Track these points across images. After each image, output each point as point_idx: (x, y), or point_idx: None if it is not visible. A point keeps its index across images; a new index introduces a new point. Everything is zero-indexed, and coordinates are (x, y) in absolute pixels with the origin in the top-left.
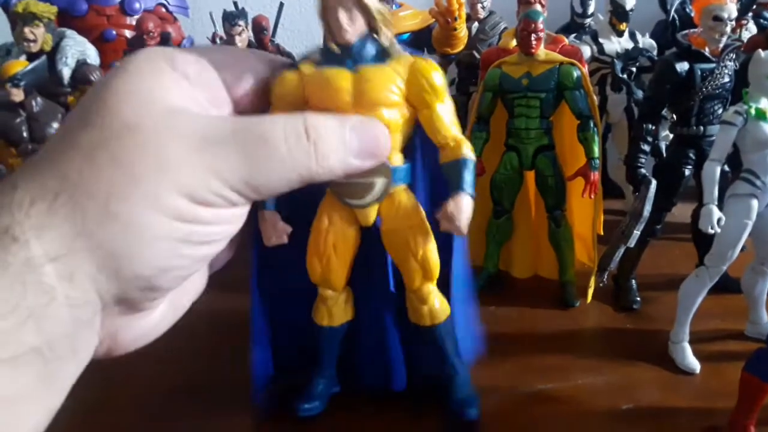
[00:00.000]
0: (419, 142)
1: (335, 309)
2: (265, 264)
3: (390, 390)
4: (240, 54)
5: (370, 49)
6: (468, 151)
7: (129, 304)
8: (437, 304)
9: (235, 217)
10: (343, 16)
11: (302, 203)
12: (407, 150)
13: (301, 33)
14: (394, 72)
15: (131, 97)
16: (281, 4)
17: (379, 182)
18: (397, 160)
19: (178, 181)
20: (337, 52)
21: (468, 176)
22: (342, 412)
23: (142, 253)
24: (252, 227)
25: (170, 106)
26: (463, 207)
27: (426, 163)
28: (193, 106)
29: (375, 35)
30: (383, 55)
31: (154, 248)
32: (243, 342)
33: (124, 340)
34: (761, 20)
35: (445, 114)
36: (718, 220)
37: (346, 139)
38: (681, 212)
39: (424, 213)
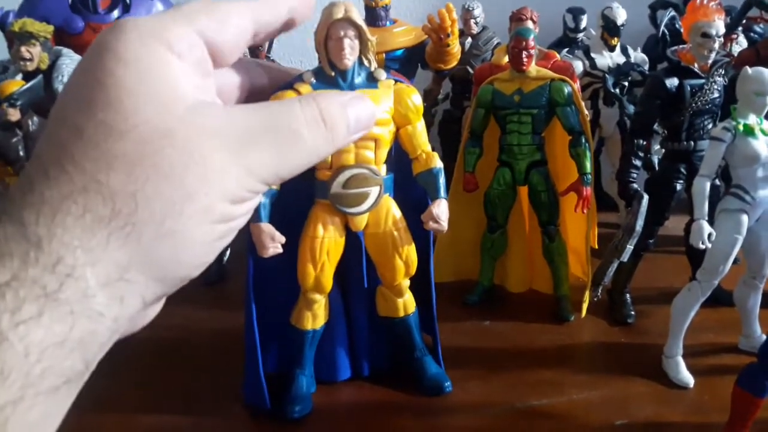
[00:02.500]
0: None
1: (319, 312)
2: (259, 274)
3: (359, 377)
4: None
5: (361, 73)
6: (438, 161)
7: (160, 298)
8: (408, 297)
9: (255, 202)
10: (347, 46)
11: (287, 214)
12: (388, 162)
13: (296, 48)
14: (384, 94)
15: (148, 96)
16: None
17: (374, 192)
18: (383, 172)
19: (224, 187)
20: (332, 75)
21: (443, 183)
22: (322, 403)
23: (189, 259)
24: (246, 240)
25: (188, 101)
26: (444, 210)
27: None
28: (200, 93)
29: (364, 60)
30: (371, 79)
31: (198, 251)
32: (239, 350)
33: (138, 325)
34: (751, 34)
35: (422, 131)
36: (709, 236)
37: (349, 119)
38: (674, 225)
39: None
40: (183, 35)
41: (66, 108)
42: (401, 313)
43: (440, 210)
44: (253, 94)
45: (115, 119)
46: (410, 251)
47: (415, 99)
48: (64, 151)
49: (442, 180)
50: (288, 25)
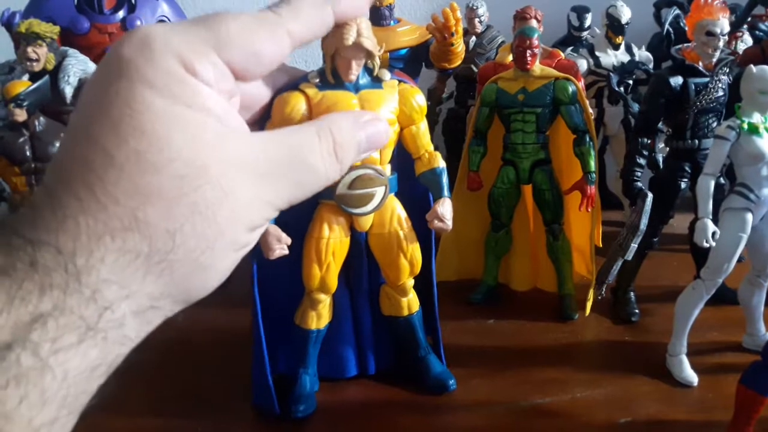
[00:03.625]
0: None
1: (324, 312)
2: (263, 276)
3: (364, 375)
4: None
5: (366, 75)
6: (441, 160)
7: None
8: (412, 296)
9: (266, 226)
10: (354, 64)
11: (289, 215)
12: (392, 162)
13: (304, 51)
14: (389, 94)
15: (179, 125)
16: None
17: (379, 192)
18: (388, 171)
19: (249, 220)
20: (333, 83)
21: (446, 183)
22: (326, 401)
23: (212, 284)
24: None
25: (216, 131)
26: (449, 208)
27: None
28: (225, 116)
29: (369, 63)
30: (376, 80)
31: (220, 276)
32: (244, 353)
33: None
34: (757, 32)
35: (425, 131)
36: (713, 234)
37: (362, 141)
38: (679, 223)
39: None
40: (214, 65)
41: (92, 125)
42: (405, 312)
43: (445, 209)
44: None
45: (149, 150)
46: (415, 251)
47: (419, 99)
48: (95, 176)
49: (445, 179)
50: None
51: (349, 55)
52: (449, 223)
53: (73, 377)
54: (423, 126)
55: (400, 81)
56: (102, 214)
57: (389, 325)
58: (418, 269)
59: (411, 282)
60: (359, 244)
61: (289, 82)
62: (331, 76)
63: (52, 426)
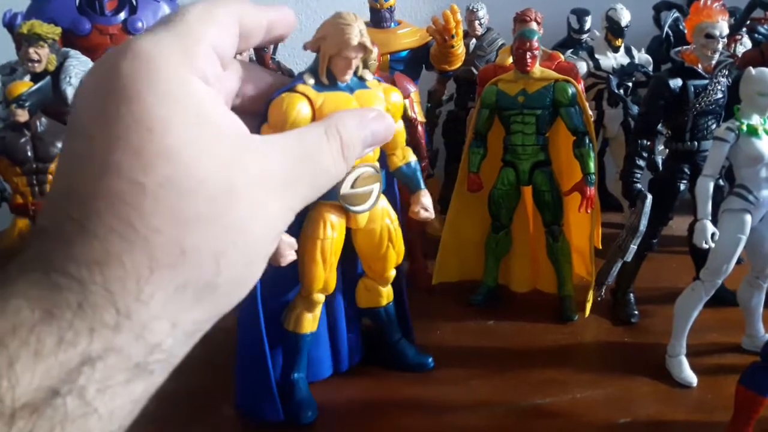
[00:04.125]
0: None
1: (318, 313)
2: (264, 280)
3: (338, 374)
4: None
5: (353, 76)
6: (413, 155)
7: None
8: (389, 286)
9: None
10: (353, 64)
11: None
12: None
13: (301, 51)
14: (377, 93)
15: (197, 140)
16: None
17: (375, 188)
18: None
19: (277, 229)
20: (327, 83)
21: (421, 175)
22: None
23: (245, 294)
24: None
25: (229, 138)
26: (429, 199)
27: None
28: (227, 121)
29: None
30: (361, 79)
31: (253, 285)
32: (227, 357)
33: None
34: (756, 35)
35: (402, 128)
36: (712, 235)
37: (367, 140)
38: (678, 225)
39: None
40: (206, 57)
41: (111, 153)
42: (384, 302)
43: (427, 199)
44: (253, 96)
45: (178, 175)
46: (402, 243)
47: (398, 98)
48: (130, 208)
49: (420, 173)
50: (276, 37)
51: (352, 55)
52: (432, 212)
53: (117, 415)
54: (400, 124)
55: (379, 80)
56: (147, 248)
57: (367, 316)
58: (402, 258)
59: (393, 272)
60: (349, 241)
61: (275, 83)
62: (325, 77)
63: None
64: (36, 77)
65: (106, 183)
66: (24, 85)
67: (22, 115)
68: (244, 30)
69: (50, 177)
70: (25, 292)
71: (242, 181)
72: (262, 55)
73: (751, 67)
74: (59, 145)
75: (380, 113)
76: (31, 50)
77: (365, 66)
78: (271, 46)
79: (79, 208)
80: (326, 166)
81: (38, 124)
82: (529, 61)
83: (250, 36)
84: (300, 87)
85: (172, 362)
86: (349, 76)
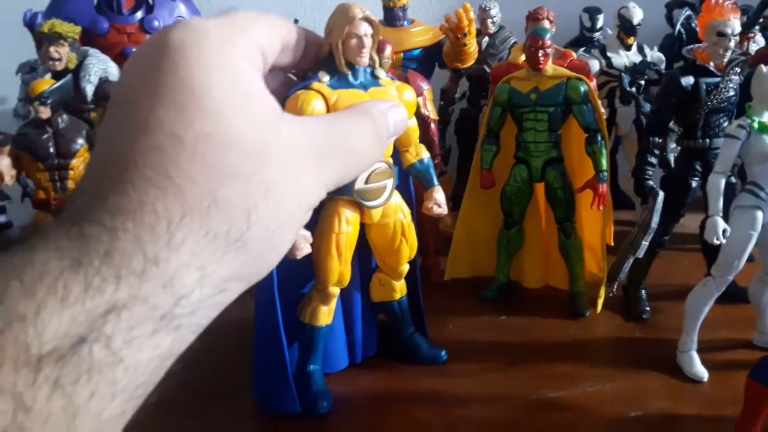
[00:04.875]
0: None
1: (333, 306)
2: (280, 274)
3: (353, 365)
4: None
5: (367, 72)
6: (426, 151)
7: None
8: (403, 280)
9: None
10: (368, 42)
11: None
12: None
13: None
14: (391, 91)
15: (238, 105)
16: (296, 20)
17: (389, 184)
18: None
19: (309, 200)
20: (348, 74)
21: (434, 172)
22: (338, 393)
23: (276, 262)
24: None
25: (270, 111)
26: (442, 195)
27: None
28: (266, 96)
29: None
30: (374, 77)
31: (284, 253)
32: (245, 349)
33: None
34: None
35: (415, 125)
36: (723, 232)
37: (390, 125)
38: (690, 222)
39: None
40: (250, 47)
41: (155, 110)
42: (398, 296)
43: (440, 195)
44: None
45: (217, 132)
46: (415, 237)
47: (411, 95)
48: (168, 158)
49: (433, 170)
50: (289, 65)
51: (361, 31)
52: (446, 208)
53: (143, 369)
54: (413, 121)
55: (392, 78)
56: (180, 197)
57: (381, 310)
58: (415, 252)
59: (407, 267)
60: (363, 236)
61: (289, 83)
62: (345, 67)
63: (120, 418)
64: (57, 75)
65: (147, 138)
66: (45, 83)
67: (45, 112)
68: (286, 45)
69: (71, 173)
70: (54, 243)
71: (276, 147)
72: None
73: (762, 65)
74: (80, 141)
75: (395, 103)
76: (52, 49)
77: (380, 64)
78: None
79: (117, 166)
80: (360, 146)
81: (60, 120)
82: (541, 58)
83: (288, 52)
84: (315, 85)
85: (200, 323)
86: (366, 58)
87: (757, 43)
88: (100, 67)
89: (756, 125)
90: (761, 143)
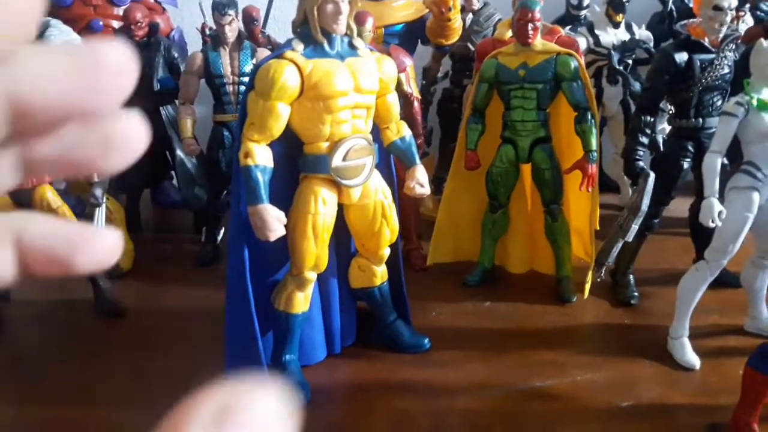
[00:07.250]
0: None
1: (310, 292)
2: (253, 258)
3: (331, 355)
4: None
5: (344, 41)
6: (407, 129)
7: None
8: (384, 265)
9: None
10: (345, 8)
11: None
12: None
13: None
14: (370, 62)
15: None
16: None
17: (369, 162)
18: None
19: None
20: (323, 42)
21: (416, 150)
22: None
23: None
24: (233, 226)
25: None
26: (424, 174)
27: None
28: None
29: (347, 28)
30: (352, 46)
31: None
32: (217, 338)
33: None
34: (758, 12)
35: (395, 100)
36: (719, 214)
37: None
38: (678, 206)
39: None
40: None
41: None
42: (378, 282)
43: (422, 174)
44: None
45: None
46: (396, 219)
47: (392, 67)
48: None
49: (414, 148)
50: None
51: None
52: (428, 187)
53: None
54: (394, 96)
55: (371, 49)
56: None
57: (360, 297)
58: (395, 236)
59: (388, 251)
60: (341, 217)
61: None
62: (320, 35)
63: None
64: None
65: None
66: None
67: None
68: None
69: None
70: None
71: None
72: (252, 29)
73: (762, 39)
74: None
75: None
76: None
77: (359, 34)
78: (261, 19)
79: None
80: None
81: None
82: (530, 32)
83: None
84: (288, 54)
85: None
86: (342, 26)
87: (746, 22)
88: (63, 38)
89: (755, 102)
90: (760, 121)
